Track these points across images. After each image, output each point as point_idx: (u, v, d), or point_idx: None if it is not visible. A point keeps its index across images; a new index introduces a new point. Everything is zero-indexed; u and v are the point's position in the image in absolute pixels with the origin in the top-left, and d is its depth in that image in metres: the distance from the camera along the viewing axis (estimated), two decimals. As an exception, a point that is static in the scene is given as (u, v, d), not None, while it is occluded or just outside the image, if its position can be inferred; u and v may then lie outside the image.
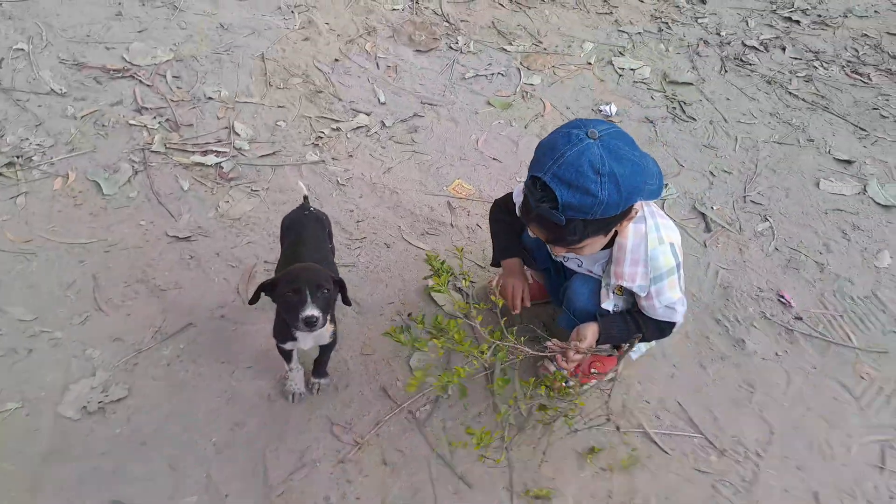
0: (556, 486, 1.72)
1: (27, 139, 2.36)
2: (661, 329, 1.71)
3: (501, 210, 1.89)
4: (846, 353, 2.15)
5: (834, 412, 1.99)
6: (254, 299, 1.53)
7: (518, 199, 1.79)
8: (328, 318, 1.54)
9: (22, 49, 2.70)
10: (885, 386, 2.06)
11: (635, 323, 1.68)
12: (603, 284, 1.68)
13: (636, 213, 1.49)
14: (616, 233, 1.56)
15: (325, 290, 1.49)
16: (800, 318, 2.24)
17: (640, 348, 1.97)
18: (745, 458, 1.85)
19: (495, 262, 1.93)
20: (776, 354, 2.12)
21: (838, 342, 2.18)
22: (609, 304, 1.67)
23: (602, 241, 1.51)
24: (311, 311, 1.44)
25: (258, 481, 1.63)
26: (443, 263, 1.68)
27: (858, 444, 1.90)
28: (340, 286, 1.59)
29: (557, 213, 1.32)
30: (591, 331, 1.66)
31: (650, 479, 1.77)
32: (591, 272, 1.73)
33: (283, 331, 1.63)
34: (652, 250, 1.55)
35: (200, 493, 1.60)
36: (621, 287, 1.62)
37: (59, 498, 1.55)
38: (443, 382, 1.53)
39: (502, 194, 1.91)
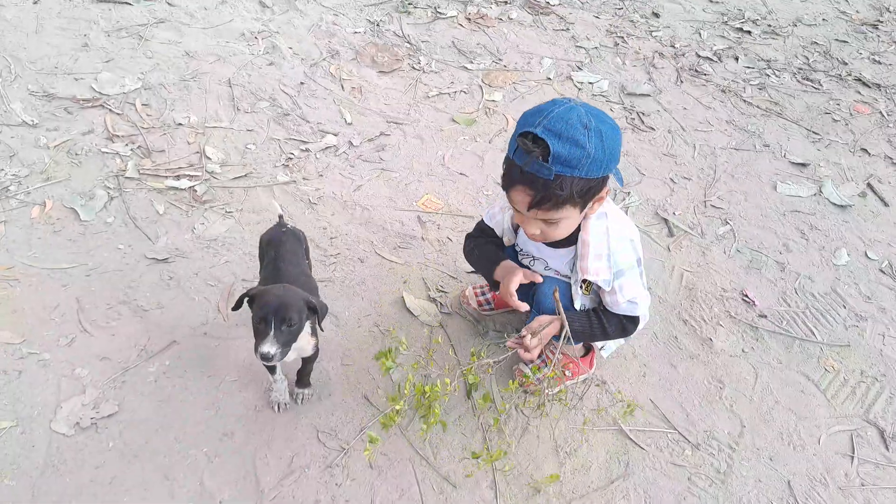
0: (537, 483, 1.91)
1: (2, 170, 2.54)
2: (625, 327, 1.89)
3: (476, 237, 2.09)
4: (810, 347, 2.40)
5: (801, 404, 2.21)
6: (236, 306, 1.69)
7: (492, 221, 2.02)
8: (288, 350, 1.66)
9: (-10, 82, 2.89)
10: (850, 377, 2.31)
11: (598, 319, 1.88)
12: (572, 282, 1.86)
13: (606, 193, 1.65)
14: (578, 230, 1.74)
15: (291, 325, 1.61)
16: (764, 316, 2.49)
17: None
18: (718, 451, 2.05)
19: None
20: (743, 351, 2.36)
21: (802, 337, 2.43)
22: (578, 302, 1.87)
23: (576, 219, 1.66)
24: (268, 347, 1.57)
25: (250, 487, 1.80)
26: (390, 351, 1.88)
27: (827, 434, 2.12)
28: (316, 311, 1.71)
29: (548, 165, 1.45)
30: (548, 318, 1.86)
31: (627, 474, 1.97)
32: (558, 273, 1.93)
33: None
34: (613, 245, 1.74)
35: (195, 500, 1.76)
36: (588, 284, 1.82)
37: (60, 508, 1.71)
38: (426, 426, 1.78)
39: (469, 206, 2.13)
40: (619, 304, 1.82)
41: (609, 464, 1.99)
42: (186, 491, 1.78)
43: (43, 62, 3.04)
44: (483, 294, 2.35)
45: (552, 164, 1.46)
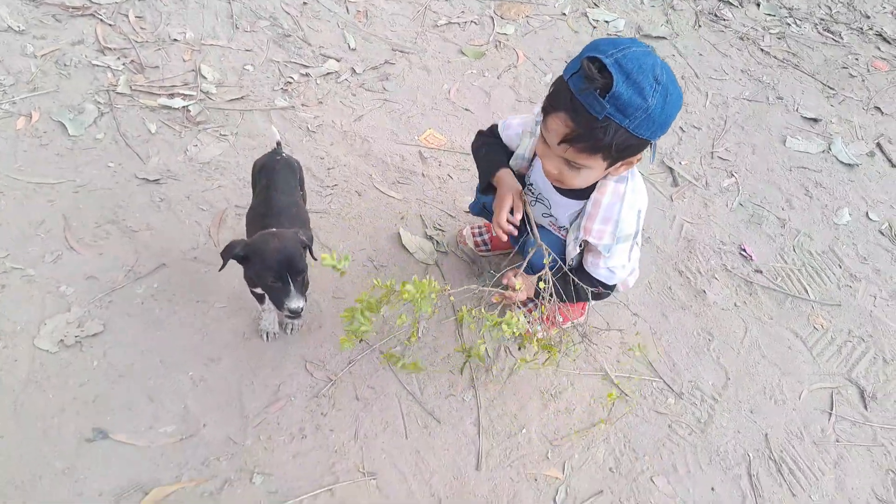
0: (520, 422, 1.92)
1: (-14, 77, 2.42)
2: (596, 293, 1.79)
3: (485, 136, 1.90)
4: (802, 305, 2.38)
5: (787, 360, 2.21)
6: (222, 268, 1.63)
7: (506, 132, 1.82)
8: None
9: (-26, -17, 2.71)
10: (837, 336, 2.30)
11: (575, 283, 1.76)
12: (570, 238, 1.75)
13: (638, 160, 1.52)
14: (593, 187, 1.63)
15: (303, 272, 1.61)
16: (759, 271, 2.46)
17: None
18: (701, 401, 2.06)
19: (485, 184, 1.86)
20: (735, 305, 2.34)
21: (795, 294, 2.41)
22: (570, 258, 1.77)
23: (599, 173, 1.52)
24: (297, 302, 1.59)
25: (235, 412, 1.80)
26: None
27: (808, 390, 2.14)
28: (308, 247, 1.67)
29: (603, 101, 1.30)
30: (521, 277, 1.75)
31: (610, 419, 1.97)
32: (554, 225, 1.84)
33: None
34: (624, 213, 1.62)
35: (178, 423, 1.75)
36: (585, 243, 1.71)
37: (42, 423, 1.69)
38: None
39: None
40: (599, 268, 1.73)
41: (592, 407, 2.00)
42: (170, 413, 1.77)
43: (31, -36, 2.85)
44: (480, 235, 2.29)
45: (608, 102, 1.30)
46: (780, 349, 2.24)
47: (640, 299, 2.29)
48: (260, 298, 1.86)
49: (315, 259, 1.74)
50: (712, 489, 1.88)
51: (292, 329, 1.98)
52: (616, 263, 1.72)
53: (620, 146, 1.39)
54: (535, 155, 1.76)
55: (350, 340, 1.54)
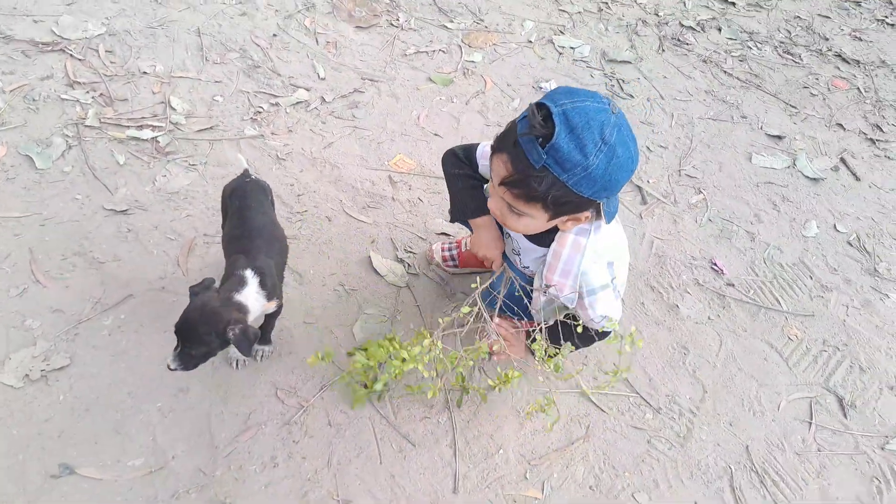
0: (497, 443, 1.90)
1: (-47, 113, 2.41)
2: (593, 337, 1.76)
3: (461, 161, 1.81)
4: (775, 316, 2.41)
5: (763, 371, 2.22)
6: None
7: (483, 160, 1.74)
8: (200, 363, 1.62)
9: (-58, 21, 2.72)
10: (812, 346, 2.32)
11: (567, 330, 1.76)
12: (535, 285, 1.73)
13: (585, 219, 1.49)
14: (554, 236, 1.59)
15: (192, 350, 1.57)
16: (731, 285, 2.49)
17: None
18: (679, 415, 2.06)
19: (459, 218, 1.84)
20: (709, 318, 2.36)
21: (768, 306, 2.43)
22: (538, 304, 1.75)
23: (541, 223, 1.49)
24: (170, 361, 1.58)
25: (204, 443, 1.76)
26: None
27: (787, 401, 2.14)
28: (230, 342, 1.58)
29: (541, 151, 1.28)
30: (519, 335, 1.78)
31: (588, 436, 1.96)
32: (526, 269, 1.81)
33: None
34: (585, 266, 1.58)
35: (147, 456, 1.72)
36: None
37: (6, 461, 1.65)
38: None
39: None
40: (593, 319, 1.69)
41: (570, 426, 1.98)
42: (138, 446, 1.73)
43: (0, 2, 2.87)
44: (449, 250, 2.29)
45: (546, 152, 1.27)
46: (755, 361, 2.25)
47: (613, 316, 2.30)
48: None
49: (246, 356, 1.71)
50: (695, 503, 1.87)
51: (262, 356, 1.96)
52: (606, 310, 1.67)
53: (558, 200, 1.36)
54: None
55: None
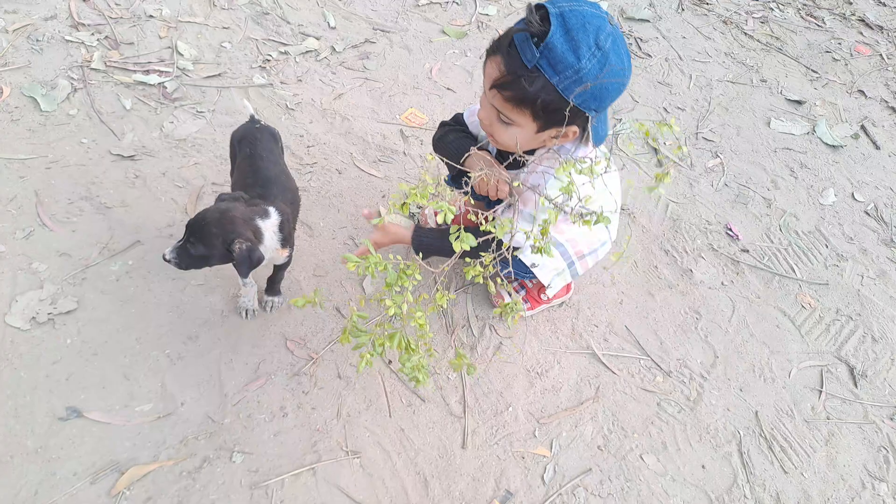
0: (506, 401, 1.89)
1: (-45, 51, 2.34)
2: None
3: (450, 123, 1.82)
4: (789, 284, 2.38)
5: (775, 338, 2.20)
6: None
7: (471, 118, 1.76)
8: (187, 263, 1.61)
9: (-59, -45, 2.62)
10: (825, 315, 2.30)
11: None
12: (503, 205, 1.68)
13: (573, 135, 1.46)
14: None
15: (195, 248, 1.56)
16: (746, 251, 2.46)
17: (556, 283, 1.89)
18: (689, 379, 2.04)
19: (455, 171, 1.77)
20: (722, 284, 2.33)
21: (782, 273, 2.40)
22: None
23: (529, 135, 1.45)
24: (167, 251, 1.58)
25: (214, 391, 1.75)
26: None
27: (797, 369, 2.13)
28: (233, 258, 1.57)
29: (535, 49, 1.26)
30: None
31: (598, 396, 1.95)
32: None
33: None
34: (550, 191, 1.47)
35: (156, 401, 1.71)
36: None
37: (13, 402, 1.63)
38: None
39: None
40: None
41: (580, 386, 1.97)
42: (147, 391, 1.72)
43: (1, -63, 2.77)
44: None
45: (540, 51, 1.26)
46: (768, 328, 2.23)
47: (626, 279, 2.27)
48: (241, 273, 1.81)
49: (242, 277, 1.71)
50: (703, 467, 1.86)
51: (272, 307, 1.94)
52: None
53: (547, 106, 1.34)
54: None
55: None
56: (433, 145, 1.85)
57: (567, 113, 1.32)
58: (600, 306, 2.18)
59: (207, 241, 1.54)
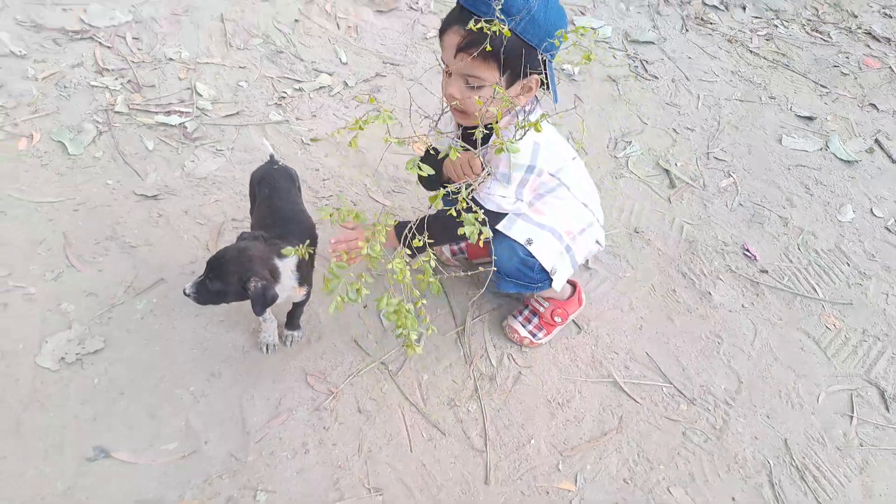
0: (528, 433, 1.85)
1: (-12, 101, 2.40)
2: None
3: (427, 153, 1.82)
4: (812, 304, 2.32)
5: (801, 362, 2.14)
6: None
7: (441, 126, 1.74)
8: (211, 299, 1.62)
9: (-24, 10, 2.71)
10: (851, 336, 2.23)
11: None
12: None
13: (536, 84, 1.57)
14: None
15: (213, 285, 1.57)
16: (765, 271, 2.41)
17: (560, 276, 1.91)
18: (714, 406, 1.98)
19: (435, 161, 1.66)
20: (742, 306, 2.28)
21: (804, 294, 2.35)
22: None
23: (497, 91, 1.45)
24: (188, 286, 1.59)
25: (236, 428, 1.74)
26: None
27: (826, 393, 2.06)
28: (248, 295, 1.56)
29: (489, 2, 1.39)
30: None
31: (621, 426, 1.90)
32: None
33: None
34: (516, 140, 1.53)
35: (181, 440, 1.70)
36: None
37: (43, 443, 1.64)
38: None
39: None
40: (489, 195, 1.68)
41: (602, 416, 1.93)
42: (172, 430, 1.72)
43: (30, -10, 2.85)
44: (457, 243, 2.24)
45: (494, 2, 1.38)
46: (792, 351, 2.17)
47: (644, 303, 2.24)
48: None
49: (257, 315, 1.63)
50: (733, 499, 1.79)
51: (291, 341, 1.94)
52: (499, 195, 1.68)
53: (510, 51, 1.45)
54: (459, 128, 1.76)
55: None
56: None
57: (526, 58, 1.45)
58: (619, 333, 2.14)
59: (225, 278, 1.56)
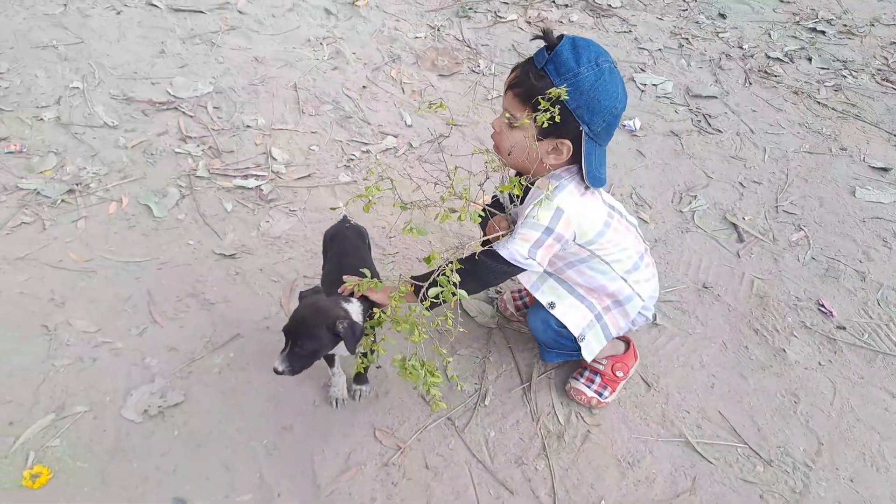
0: (598, 493, 1.82)
1: (84, 168, 2.63)
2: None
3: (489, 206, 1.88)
4: (895, 362, 2.24)
5: (885, 423, 2.05)
6: None
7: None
8: (304, 367, 1.64)
9: (77, 87, 3.01)
10: (939, 396, 2.13)
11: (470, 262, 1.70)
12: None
13: (568, 152, 1.57)
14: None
15: (302, 349, 1.60)
16: (842, 328, 2.33)
17: (591, 341, 1.90)
18: (793, 468, 1.91)
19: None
20: (819, 364, 2.21)
21: (885, 351, 2.26)
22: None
23: (527, 141, 1.56)
24: (277, 363, 1.60)
25: (307, 481, 1.79)
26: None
27: (914, 457, 1.96)
28: (341, 337, 1.60)
29: (546, 56, 1.48)
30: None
31: (694, 488, 1.85)
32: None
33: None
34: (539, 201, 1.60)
35: (254, 492, 1.76)
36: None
37: (126, 493, 1.72)
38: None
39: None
40: (505, 248, 1.68)
41: (674, 476, 1.88)
42: (246, 482, 1.78)
43: (123, 68, 3.15)
44: (521, 298, 2.28)
45: (550, 57, 1.48)
46: (875, 411, 2.08)
47: (715, 360, 2.19)
48: (329, 361, 1.88)
49: (351, 353, 1.65)
50: (817, 566, 1.73)
51: (360, 395, 1.98)
52: (515, 248, 1.65)
53: (544, 98, 1.49)
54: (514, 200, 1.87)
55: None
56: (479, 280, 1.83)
57: (559, 119, 1.44)
58: (690, 390, 2.10)
59: (313, 334, 1.60)
